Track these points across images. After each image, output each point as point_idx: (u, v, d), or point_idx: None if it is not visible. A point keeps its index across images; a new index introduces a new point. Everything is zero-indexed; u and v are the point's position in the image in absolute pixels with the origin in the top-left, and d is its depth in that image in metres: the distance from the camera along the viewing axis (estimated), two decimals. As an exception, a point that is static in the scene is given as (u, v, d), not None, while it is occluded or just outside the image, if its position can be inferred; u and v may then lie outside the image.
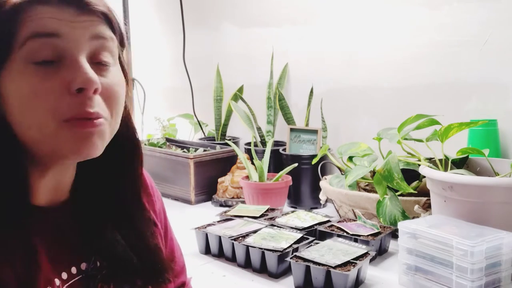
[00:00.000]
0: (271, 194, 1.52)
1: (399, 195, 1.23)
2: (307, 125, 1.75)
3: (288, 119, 1.79)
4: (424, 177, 1.19)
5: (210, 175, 1.72)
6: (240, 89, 1.99)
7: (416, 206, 1.20)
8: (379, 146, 1.38)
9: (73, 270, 0.61)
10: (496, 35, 1.40)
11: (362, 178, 1.34)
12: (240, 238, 1.15)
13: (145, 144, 1.88)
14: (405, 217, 1.18)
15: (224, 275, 1.10)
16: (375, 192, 1.26)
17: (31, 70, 0.53)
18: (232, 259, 1.16)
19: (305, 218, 1.29)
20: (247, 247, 1.10)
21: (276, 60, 1.90)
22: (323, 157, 1.54)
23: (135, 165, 0.67)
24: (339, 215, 1.42)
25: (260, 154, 1.69)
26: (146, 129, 2.17)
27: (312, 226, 1.24)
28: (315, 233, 1.23)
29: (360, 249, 1.05)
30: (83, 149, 0.55)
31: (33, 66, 0.53)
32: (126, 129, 0.65)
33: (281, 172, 1.57)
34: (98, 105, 0.56)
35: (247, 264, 1.12)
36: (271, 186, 1.54)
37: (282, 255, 1.06)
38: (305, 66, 1.86)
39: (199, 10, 2.23)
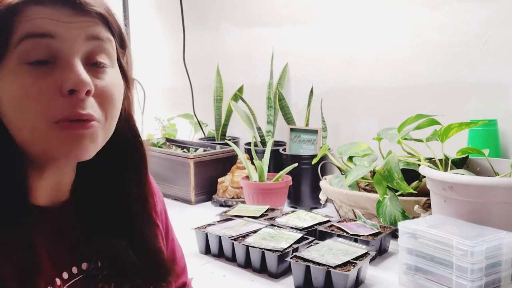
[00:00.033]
0: (271, 194, 1.52)
1: (399, 195, 1.23)
2: (307, 125, 1.75)
3: (288, 119, 1.79)
4: (424, 177, 1.19)
5: (210, 175, 1.72)
6: (240, 89, 1.99)
7: (416, 206, 1.20)
8: (379, 146, 1.38)
9: (74, 269, 0.61)
10: (496, 35, 1.40)
11: (362, 178, 1.34)
12: (240, 238, 1.15)
13: (145, 144, 1.87)
14: (405, 217, 1.18)
15: (224, 275, 1.10)
16: (375, 192, 1.26)
17: (24, 71, 0.53)
18: (232, 259, 1.16)
19: (305, 218, 1.29)
20: (247, 247, 1.10)
21: (276, 60, 1.90)
22: (323, 157, 1.54)
23: (137, 166, 0.67)
24: (339, 215, 1.42)
25: (260, 154, 1.69)
26: (146, 129, 2.17)
27: (312, 226, 1.24)
28: (315, 233, 1.23)
29: (360, 249, 1.05)
30: (74, 152, 0.55)
31: (26, 67, 0.53)
32: (128, 130, 0.65)
33: (281, 172, 1.57)
34: (90, 107, 0.55)
35: (247, 264, 1.12)
36: (271, 186, 1.54)
37: (282, 255, 1.06)
38: (305, 66, 1.86)
39: (199, 10, 2.23)
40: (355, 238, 1.15)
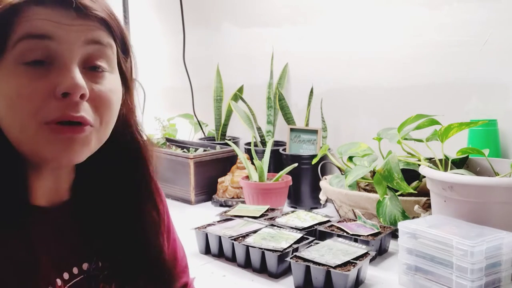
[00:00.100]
0: (271, 194, 1.52)
1: (399, 195, 1.23)
2: (307, 125, 1.75)
3: (288, 119, 1.79)
4: (424, 177, 1.19)
5: (210, 175, 1.72)
6: (240, 89, 1.99)
7: (416, 206, 1.20)
8: (379, 146, 1.38)
9: (75, 270, 0.61)
10: (496, 35, 1.40)
11: (362, 178, 1.34)
12: (240, 238, 1.15)
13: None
14: (405, 217, 1.18)
15: (224, 275, 1.10)
16: (375, 192, 1.26)
17: (20, 71, 0.53)
18: (232, 259, 1.16)
19: (305, 218, 1.29)
20: (247, 247, 1.10)
21: (276, 60, 1.90)
22: (323, 157, 1.54)
23: (137, 169, 0.66)
24: (339, 215, 1.42)
25: (260, 154, 1.69)
26: (146, 129, 2.17)
27: (312, 226, 1.24)
28: (315, 233, 1.23)
29: (360, 249, 1.05)
30: (63, 155, 0.55)
31: (23, 67, 0.53)
32: (127, 133, 0.65)
33: (281, 172, 1.57)
34: (84, 110, 0.55)
35: (247, 264, 1.12)
36: (271, 186, 1.54)
37: (282, 255, 1.06)
38: (305, 66, 1.86)
39: (199, 10, 2.23)
40: (355, 238, 1.15)
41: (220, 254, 1.19)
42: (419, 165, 1.22)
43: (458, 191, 1.05)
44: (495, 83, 1.42)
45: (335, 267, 0.97)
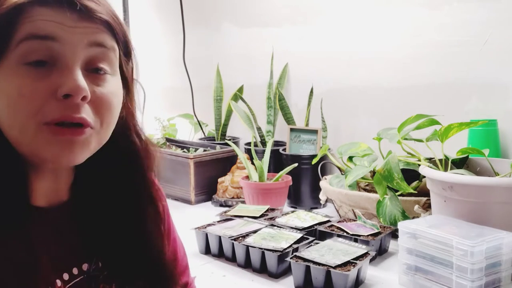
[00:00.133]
0: (271, 194, 1.52)
1: (399, 195, 1.23)
2: (307, 125, 1.75)
3: (288, 119, 1.79)
4: (424, 177, 1.19)
5: (210, 175, 1.72)
6: (240, 89, 1.99)
7: (416, 206, 1.20)
8: (379, 146, 1.38)
9: (75, 271, 0.61)
10: (496, 35, 1.40)
11: (362, 178, 1.34)
12: (240, 238, 1.15)
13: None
14: (405, 217, 1.18)
15: (224, 275, 1.10)
16: (375, 192, 1.26)
17: (22, 71, 0.53)
18: (232, 259, 1.16)
19: (305, 218, 1.29)
20: (247, 247, 1.10)
21: (276, 60, 1.90)
22: (323, 157, 1.54)
23: (137, 170, 0.66)
24: (339, 215, 1.42)
25: (260, 154, 1.69)
26: (146, 129, 2.16)
27: (312, 226, 1.24)
28: (315, 233, 1.23)
29: (360, 249, 1.05)
30: (63, 156, 0.55)
31: (25, 67, 0.53)
32: (127, 135, 0.65)
33: (281, 172, 1.57)
34: (85, 112, 0.55)
35: (247, 264, 1.12)
36: (271, 186, 1.54)
37: (282, 255, 1.06)
38: (305, 66, 1.86)
39: (199, 10, 2.23)
40: (355, 238, 1.15)
41: (220, 254, 1.19)
42: (419, 165, 1.22)
43: (458, 191, 1.05)
44: (495, 83, 1.42)
45: (335, 267, 0.97)
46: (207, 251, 1.21)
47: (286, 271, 1.08)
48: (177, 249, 0.79)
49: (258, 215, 1.32)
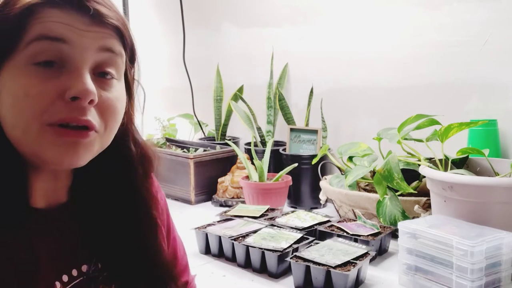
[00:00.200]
0: (271, 194, 1.52)
1: (399, 195, 1.23)
2: (307, 125, 1.75)
3: (288, 119, 1.79)
4: (424, 177, 1.19)
5: (210, 175, 1.72)
6: (240, 89, 1.99)
7: (416, 206, 1.20)
8: (379, 146, 1.38)
9: (74, 272, 0.61)
10: (496, 35, 1.40)
11: (362, 178, 1.34)
12: (240, 238, 1.15)
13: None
14: (405, 217, 1.18)
15: (224, 275, 1.10)
16: (375, 192, 1.26)
17: (30, 71, 0.53)
18: (232, 259, 1.16)
19: (305, 218, 1.29)
20: (247, 247, 1.10)
21: (276, 60, 1.90)
22: (323, 157, 1.54)
23: (136, 173, 0.66)
24: (339, 215, 1.42)
25: (260, 154, 1.69)
26: (146, 129, 2.17)
27: (312, 226, 1.24)
28: (315, 233, 1.23)
29: (360, 249, 1.05)
30: (66, 158, 0.55)
31: (33, 67, 0.53)
32: (126, 139, 0.65)
33: (281, 172, 1.57)
34: (91, 115, 0.55)
35: (247, 264, 1.12)
36: (271, 186, 1.54)
37: (282, 255, 1.06)
38: (305, 66, 1.86)
39: (199, 10, 2.23)
40: (355, 238, 1.15)
41: (220, 254, 1.19)
42: (419, 165, 1.22)
43: (458, 191, 1.05)
44: (495, 83, 1.42)
45: (335, 267, 0.97)
46: (207, 251, 1.21)
47: (286, 271, 1.08)
48: (177, 248, 0.79)
49: (258, 215, 1.32)
